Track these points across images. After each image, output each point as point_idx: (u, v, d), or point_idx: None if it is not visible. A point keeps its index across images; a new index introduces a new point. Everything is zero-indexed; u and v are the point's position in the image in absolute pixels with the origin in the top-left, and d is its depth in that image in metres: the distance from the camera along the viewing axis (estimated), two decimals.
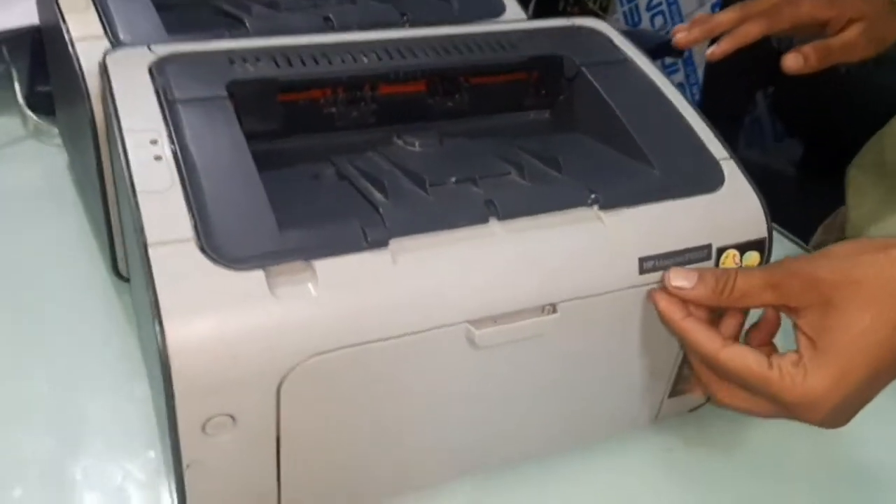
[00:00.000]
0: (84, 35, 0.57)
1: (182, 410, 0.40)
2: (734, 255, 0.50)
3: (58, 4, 0.59)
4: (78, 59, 0.55)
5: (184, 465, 0.42)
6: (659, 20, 2.13)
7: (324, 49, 0.53)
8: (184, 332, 0.38)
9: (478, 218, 0.45)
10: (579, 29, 0.61)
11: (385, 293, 0.42)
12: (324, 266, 0.41)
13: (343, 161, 0.50)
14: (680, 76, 2.09)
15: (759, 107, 1.86)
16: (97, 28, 0.58)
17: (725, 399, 0.48)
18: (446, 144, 0.53)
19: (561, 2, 2.24)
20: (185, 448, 0.41)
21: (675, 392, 0.56)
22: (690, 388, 0.55)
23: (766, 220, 0.51)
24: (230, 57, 0.51)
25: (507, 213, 0.46)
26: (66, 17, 0.58)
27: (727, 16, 0.70)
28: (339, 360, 0.42)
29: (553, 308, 0.46)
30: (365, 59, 0.53)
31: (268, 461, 0.44)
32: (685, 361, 0.54)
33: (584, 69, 0.56)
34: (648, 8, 2.15)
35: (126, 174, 0.43)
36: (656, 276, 0.48)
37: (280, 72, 0.51)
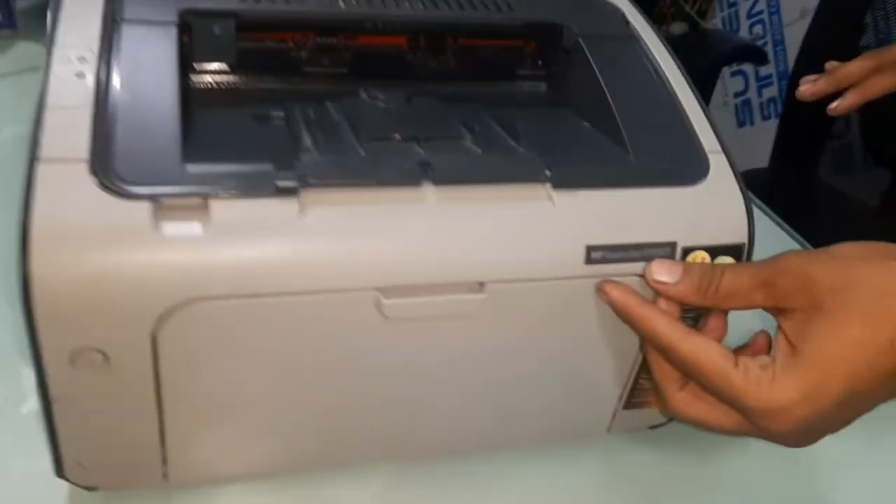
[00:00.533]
0: None
1: (45, 339, 0.37)
2: (703, 258, 0.44)
3: None
4: None
5: (51, 397, 0.40)
6: (758, 29, 2.02)
7: None
8: (51, 253, 0.36)
9: (408, 178, 0.41)
10: (595, 1, 0.56)
11: (285, 244, 0.39)
12: (220, 206, 0.38)
13: (295, 107, 0.47)
14: (773, 90, 1.98)
15: (853, 129, 1.74)
16: None
17: (683, 408, 0.43)
18: (414, 104, 0.49)
19: (657, 4, 2.15)
20: (52, 380, 0.39)
21: (631, 404, 0.51)
22: (648, 401, 0.50)
23: (748, 224, 0.45)
24: None
25: (443, 178, 0.41)
26: None
27: (858, 66, 0.64)
28: (225, 310, 0.39)
29: (480, 288, 0.42)
30: (342, 4, 0.50)
31: (148, 411, 0.41)
32: (643, 371, 0.49)
33: (581, 41, 0.51)
34: (749, 15, 2.04)
35: (41, 88, 0.40)
36: (605, 268, 0.43)
37: (243, 6, 0.48)
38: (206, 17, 0.47)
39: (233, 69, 0.50)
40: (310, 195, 0.39)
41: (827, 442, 0.41)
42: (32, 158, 0.37)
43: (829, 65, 0.65)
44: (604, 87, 0.48)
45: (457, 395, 0.46)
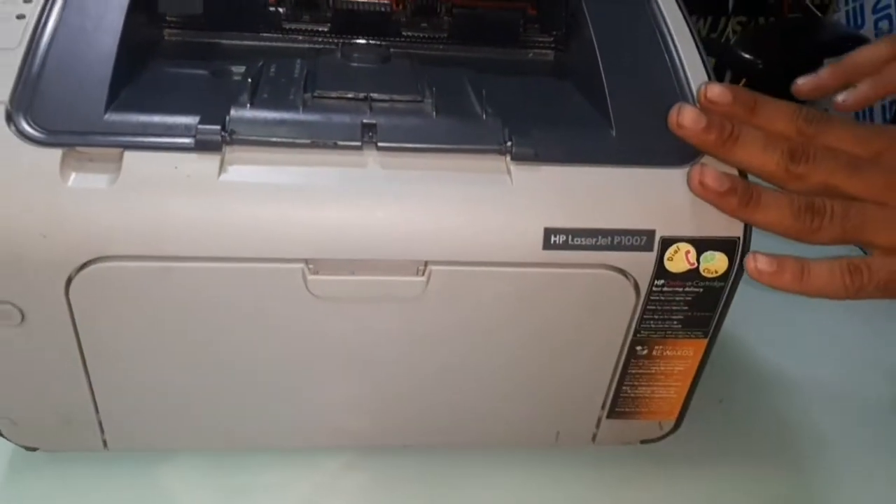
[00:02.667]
0: None
1: None
2: (687, 252, 0.39)
3: None
4: None
5: None
6: (885, 24, 1.85)
7: None
8: None
9: (346, 139, 0.37)
10: None
11: (201, 204, 0.36)
12: (135, 158, 0.36)
13: (258, 64, 0.44)
14: None
15: None
16: None
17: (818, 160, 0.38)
18: (390, 65, 0.45)
19: None
20: None
21: (615, 413, 0.45)
22: (637, 412, 0.44)
23: None
24: None
25: (386, 140, 0.37)
26: None
27: (871, 53, 0.51)
28: (137, 272, 0.36)
29: (423, 270, 0.38)
30: None
31: (74, 372, 0.40)
32: (627, 377, 0.43)
33: (583, 3, 0.46)
34: (875, 10, 1.88)
35: None
36: (566, 255, 0.38)
37: None
38: None
39: (206, 22, 0.47)
40: (234, 152, 0.36)
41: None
42: None
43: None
44: (598, 52, 0.43)
45: (400, 385, 0.42)
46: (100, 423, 0.43)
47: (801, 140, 0.38)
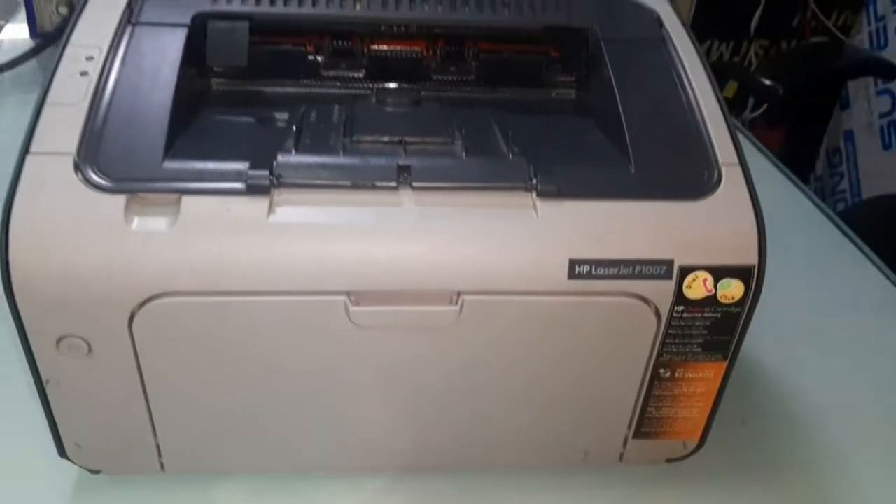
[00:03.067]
0: None
1: (28, 324, 0.39)
2: (705, 280, 0.41)
3: None
4: None
5: (43, 380, 0.42)
6: None
7: None
8: (29, 242, 0.38)
9: (384, 180, 0.40)
10: (626, 3, 0.53)
11: (253, 243, 0.39)
12: (191, 202, 0.39)
13: (300, 110, 0.47)
14: None
15: None
16: None
17: None
18: (421, 108, 0.49)
19: (797, 16, 2.03)
20: (41, 364, 0.41)
21: (641, 433, 0.48)
22: (661, 432, 0.46)
23: (759, 245, 0.41)
24: None
25: (421, 181, 0.40)
26: None
27: None
28: (195, 307, 0.39)
29: (456, 299, 0.40)
30: (357, 7, 0.50)
31: (135, 399, 0.43)
32: (651, 398, 0.46)
33: (603, 45, 0.49)
34: None
35: (45, 85, 0.43)
36: (591, 284, 0.40)
37: (257, 9, 0.49)
38: (219, 19, 0.48)
39: (250, 72, 0.51)
40: (281, 195, 0.39)
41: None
42: (24, 151, 0.40)
43: None
44: (616, 92, 0.46)
45: (436, 409, 0.45)
46: (158, 447, 0.46)
47: None
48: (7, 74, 0.83)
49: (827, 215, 0.78)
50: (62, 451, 0.45)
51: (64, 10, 0.83)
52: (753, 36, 2.02)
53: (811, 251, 0.74)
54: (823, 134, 1.38)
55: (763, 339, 0.54)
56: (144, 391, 0.43)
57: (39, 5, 0.84)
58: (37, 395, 0.43)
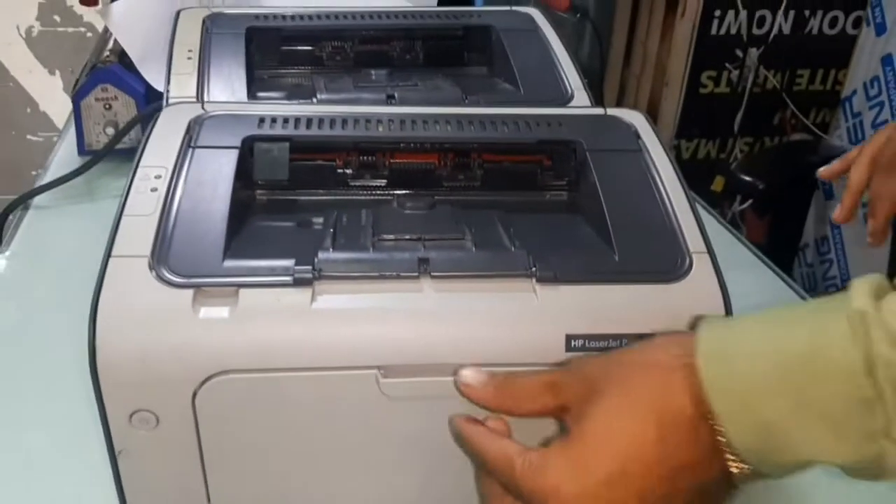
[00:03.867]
0: (178, 96, 0.69)
1: (107, 401, 0.46)
2: None
3: (169, 70, 0.71)
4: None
5: (116, 450, 0.48)
6: None
7: (349, 117, 0.59)
8: (112, 331, 0.45)
9: (407, 271, 0.48)
10: (609, 119, 0.62)
11: (298, 327, 0.46)
12: (247, 294, 0.46)
13: (333, 215, 0.56)
14: None
15: None
16: (192, 90, 0.70)
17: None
18: (436, 210, 0.57)
19: (777, 115, 2.16)
20: (115, 435, 0.48)
21: None
22: None
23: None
24: (262, 118, 0.59)
25: (438, 271, 0.48)
26: (171, 79, 0.70)
27: (858, 176, 0.66)
28: (250, 382, 0.46)
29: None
30: (380, 129, 0.59)
31: (193, 465, 0.49)
32: None
33: (589, 155, 0.57)
34: (874, 125, 2.00)
35: (122, 199, 0.51)
36: (585, 356, 0.47)
37: (296, 132, 0.58)
38: (264, 141, 0.57)
39: (290, 184, 0.59)
40: (322, 285, 0.47)
41: None
42: (107, 255, 0.48)
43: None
44: (600, 194, 0.54)
45: (459, 472, 0.51)
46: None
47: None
48: (59, 189, 0.92)
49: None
50: None
51: (111, 131, 0.93)
52: (737, 134, 2.14)
53: None
54: (803, 225, 1.46)
55: None
56: (202, 460, 0.49)
57: (88, 126, 0.94)
58: (107, 467, 0.49)
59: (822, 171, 0.70)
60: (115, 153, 0.94)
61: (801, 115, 2.08)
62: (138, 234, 0.49)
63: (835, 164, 0.68)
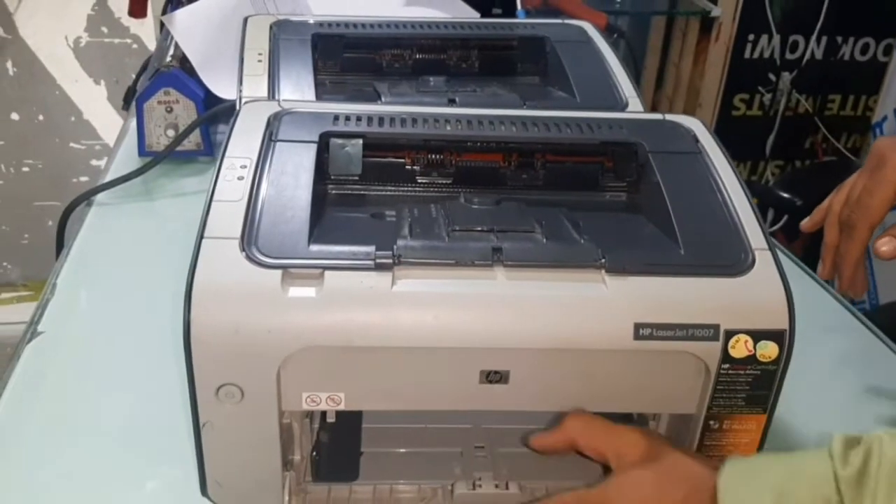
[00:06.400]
0: (251, 96, 0.72)
1: (198, 374, 0.49)
2: (746, 341, 0.50)
3: (241, 74, 0.75)
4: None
5: (201, 423, 0.51)
6: None
7: (418, 116, 0.62)
8: (206, 307, 0.48)
9: (481, 259, 0.50)
10: (668, 123, 0.64)
11: (379, 307, 0.49)
12: (333, 276, 0.49)
13: (405, 208, 0.58)
14: None
15: None
16: (263, 90, 0.73)
17: None
18: (502, 206, 0.59)
19: (809, 139, 2.18)
20: (202, 408, 0.50)
21: None
22: None
23: (789, 313, 0.50)
24: (336, 115, 0.62)
25: (511, 260, 0.50)
26: (244, 80, 0.73)
27: (829, 236, 0.67)
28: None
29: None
30: (448, 128, 0.61)
31: (273, 441, 0.52)
32: (702, 448, 0.54)
33: (650, 157, 0.60)
34: None
35: (212, 186, 0.54)
36: (652, 344, 0.49)
37: (369, 129, 0.61)
38: (339, 137, 0.60)
39: (362, 179, 0.62)
40: (401, 270, 0.50)
41: None
42: (200, 236, 0.50)
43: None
44: (664, 193, 0.56)
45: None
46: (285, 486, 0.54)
47: None
48: (117, 188, 0.96)
49: (855, 315, 0.86)
50: (204, 489, 0.54)
51: (171, 133, 0.97)
52: (769, 157, 2.16)
53: (841, 347, 0.81)
54: None
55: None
56: (281, 432, 0.51)
57: (150, 128, 0.97)
58: (187, 440, 0.52)
59: (805, 224, 0.70)
60: (173, 155, 0.98)
61: (833, 138, 2.10)
62: (228, 217, 0.51)
63: (814, 216, 0.68)
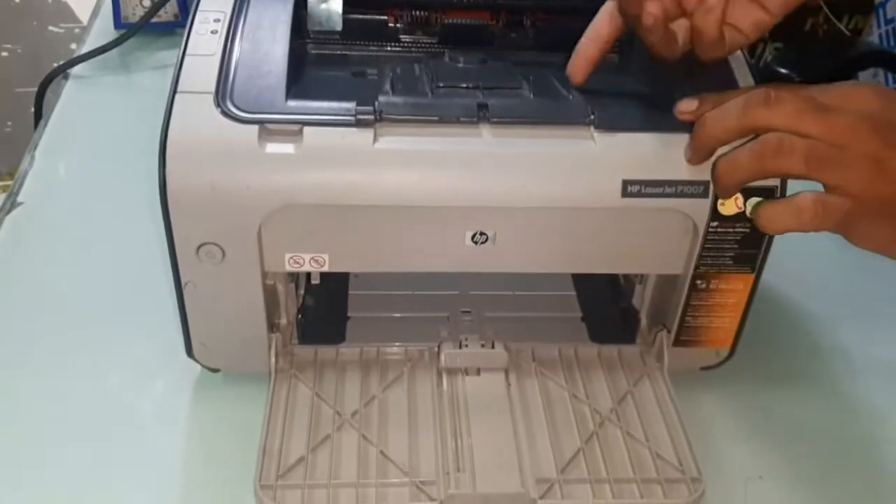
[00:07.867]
0: None
1: (176, 233, 0.48)
2: (736, 198, 0.49)
3: None
4: None
5: (183, 283, 0.50)
6: None
7: None
8: (181, 163, 0.46)
9: (466, 116, 0.48)
10: None
11: (360, 165, 0.47)
12: (312, 132, 0.47)
13: (387, 66, 0.56)
14: None
15: None
16: None
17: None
18: (489, 65, 0.57)
19: (809, 20, 2.11)
20: (182, 268, 0.49)
21: (679, 341, 0.55)
22: (698, 340, 0.54)
23: None
24: None
25: (497, 116, 0.49)
26: None
27: None
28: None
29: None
30: None
31: (256, 301, 0.51)
32: (688, 308, 0.54)
33: None
34: None
35: (184, 41, 0.51)
36: (640, 201, 0.48)
37: None
38: None
39: (343, 38, 0.59)
40: (383, 127, 0.48)
41: None
42: (173, 91, 0.48)
43: None
44: None
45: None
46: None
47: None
48: (94, 60, 0.92)
49: None
50: (189, 350, 0.54)
51: (147, 4, 0.93)
52: (768, 38, 2.10)
53: None
54: None
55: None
56: (265, 293, 0.51)
57: (125, 0, 0.93)
58: (173, 302, 0.51)
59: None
60: (150, 27, 0.94)
61: (834, 18, 2.04)
62: (202, 72, 0.49)
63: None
